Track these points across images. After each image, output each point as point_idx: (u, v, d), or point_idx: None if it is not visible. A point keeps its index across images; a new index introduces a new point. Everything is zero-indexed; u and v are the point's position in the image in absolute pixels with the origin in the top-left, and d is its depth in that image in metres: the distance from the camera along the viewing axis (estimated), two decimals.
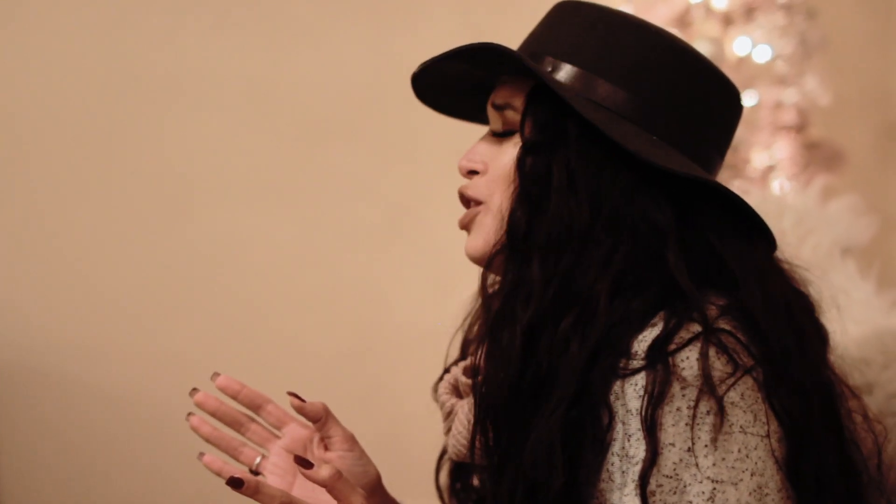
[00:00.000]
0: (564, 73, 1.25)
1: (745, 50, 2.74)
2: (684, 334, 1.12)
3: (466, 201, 1.33)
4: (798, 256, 1.76)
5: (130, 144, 2.82)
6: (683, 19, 2.70)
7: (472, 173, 1.33)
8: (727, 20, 2.74)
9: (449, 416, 1.39)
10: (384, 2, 2.98)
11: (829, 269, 1.78)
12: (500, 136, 1.32)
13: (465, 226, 1.33)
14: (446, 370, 1.49)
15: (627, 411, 1.11)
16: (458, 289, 2.91)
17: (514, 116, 1.29)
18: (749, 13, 2.74)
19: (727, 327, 1.14)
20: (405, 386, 2.99)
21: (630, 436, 1.11)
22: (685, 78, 1.25)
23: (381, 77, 2.97)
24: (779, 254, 1.30)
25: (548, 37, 1.31)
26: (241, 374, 2.88)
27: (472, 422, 1.25)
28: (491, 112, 1.35)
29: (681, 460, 1.09)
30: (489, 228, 1.28)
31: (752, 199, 1.93)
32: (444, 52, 1.35)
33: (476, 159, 1.32)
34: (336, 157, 2.97)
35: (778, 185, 2.75)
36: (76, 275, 2.80)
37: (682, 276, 1.16)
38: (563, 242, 1.18)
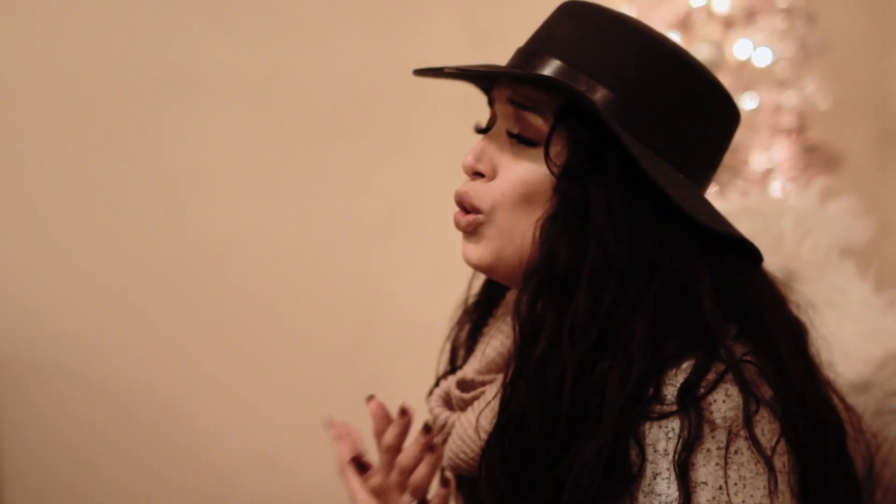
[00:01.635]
0: (601, 96, 1.21)
1: (745, 53, 2.75)
2: (711, 376, 1.14)
3: (463, 204, 1.29)
4: (797, 256, 1.79)
5: (133, 139, 2.82)
6: (685, 22, 2.71)
7: (476, 175, 1.29)
8: (728, 23, 2.75)
9: (442, 429, 1.39)
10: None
11: (828, 269, 1.80)
12: (518, 140, 1.26)
13: (465, 230, 1.29)
14: (437, 381, 1.50)
15: (656, 451, 1.14)
16: (457, 285, 2.93)
17: (537, 124, 1.24)
18: (750, 17, 2.75)
19: (751, 361, 1.17)
20: (404, 381, 2.99)
21: (658, 474, 1.13)
22: (689, 98, 1.23)
23: (382, 74, 2.98)
24: (767, 266, 1.31)
25: (580, 48, 1.25)
26: (241, 369, 2.92)
27: (486, 440, 1.24)
28: (504, 107, 1.29)
29: (714, 498, 1.11)
30: (497, 244, 1.25)
31: (752, 200, 1.95)
32: (479, 67, 1.30)
33: (485, 161, 1.28)
34: (336, 153, 2.98)
35: (777, 186, 2.77)
36: (80, 269, 2.81)
37: (716, 318, 1.16)
38: (604, 281, 1.17)
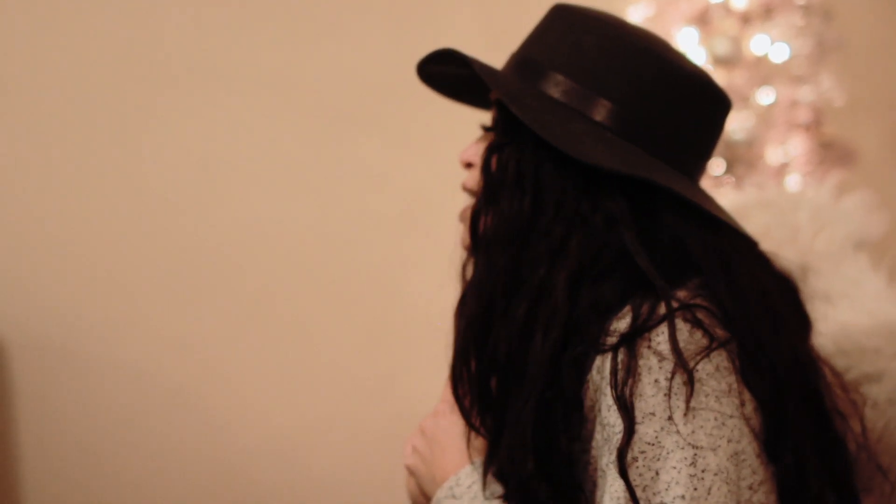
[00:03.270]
0: (557, 82, 1.29)
1: (762, 49, 2.76)
2: (659, 311, 1.17)
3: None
4: (812, 250, 1.81)
5: (153, 132, 2.84)
6: (703, 17, 2.72)
7: (469, 166, 1.38)
8: (746, 19, 2.76)
9: None
10: None
11: (843, 261, 1.80)
12: (487, 131, 1.37)
13: (461, 219, 1.39)
14: None
15: (607, 384, 1.16)
16: None
17: (494, 114, 1.35)
18: (768, 13, 2.76)
19: (701, 304, 1.19)
20: (419, 375, 3.01)
21: (610, 406, 1.15)
22: (647, 74, 1.27)
23: (398, 69, 2.98)
24: (769, 247, 1.35)
25: (533, 40, 1.35)
26: (255, 361, 2.94)
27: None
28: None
29: (662, 428, 1.12)
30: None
31: (768, 193, 1.96)
32: (425, 56, 1.47)
33: (470, 153, 1.38)
34: (353, 147, 2.99)
35: (792, 180, 2.77)
36: (98, 258, 2.82)
37: (643, 260, 1.19)
38: (508, 236, 1.24)
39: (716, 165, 2.75)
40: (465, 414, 1.27)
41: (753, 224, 1.84)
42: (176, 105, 2.85)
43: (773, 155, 2.80)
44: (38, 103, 2.76)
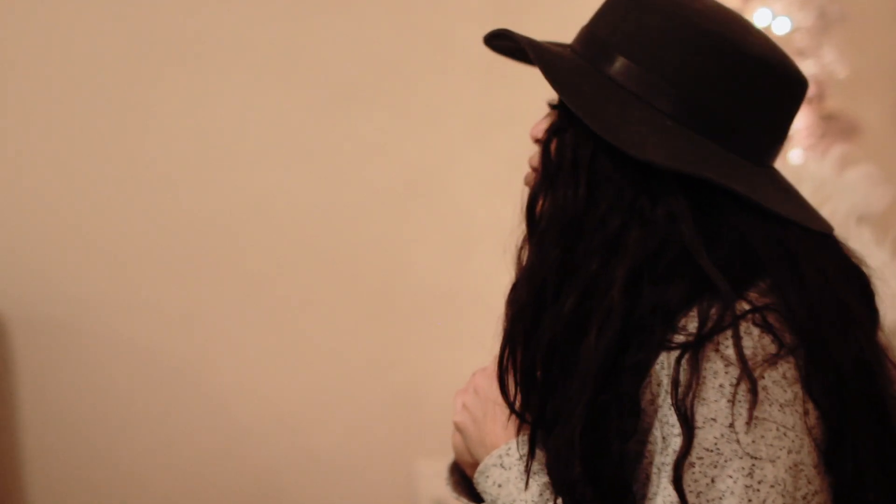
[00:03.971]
0: (619, 65, 1.24)
1: (765, 21, 2.75)
2: (728, 315, 1.13)
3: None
4: None
5: (152, 108, 2.84)
6: None
7: (538, 142, 1.31)
8: None
9: None
10: None
11: (846, 236, 1.80)
12: (553, 108, 1.30)
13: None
14: None
15: (670, 382, 1.13)
16: (477, 251, 2.95)
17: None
18: None
19: (770, 308, 1.15)
20: (423, 347, 3.02)
21: (672, 405, 1.12)
22: (710, 56, 1.21)
23: (402, 42, 2.98)
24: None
25: (600, 13, 1.30)
26: (261, 334, 2.95)
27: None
28: None
29: (722, 435, 1.10)
30: None
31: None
32: (486, 34, 1.34)
33: (538, 129, 1.31)
34: (356, 120, 2.98)
35: (795, 154, 2.77)
36: (103, 233, 2.82)
37: (705, 261, 1.15)
38: (562, 224, 1.20)
39: None
40: (509, 403, 1.24)
41: None
42: (176, 81, 2.84)
43: None
44: (37, 83, 2.76)
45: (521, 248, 1.27)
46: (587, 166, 1.20)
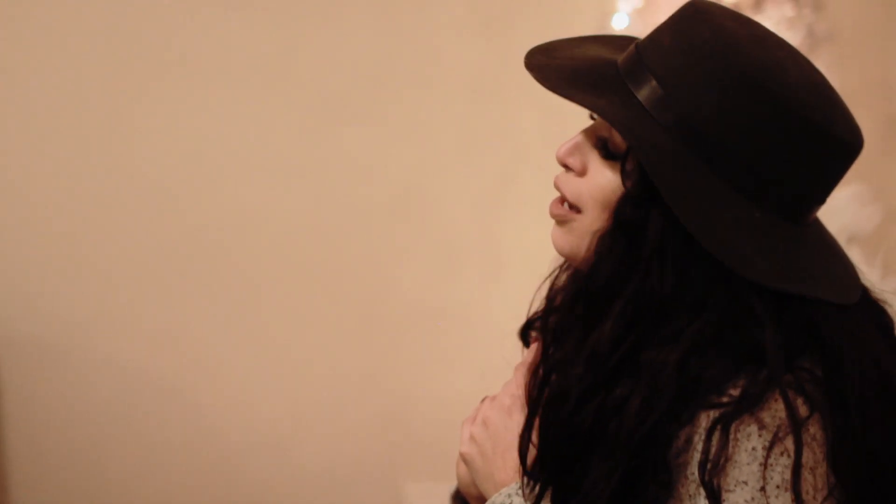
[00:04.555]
0: (672, 118, 1.18)
1: None
2: (769, 385, 1.13)
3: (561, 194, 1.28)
4: None
5: (143, 122, 2.83)
6: None
7: (567, 167, 1.27)
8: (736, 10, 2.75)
9: None
10: None
11: None
12: (603, 148, 1.25)
13: (557, 219, 1.28)
14: (531, 321, 1.46)
15: (701, 440, 1.12)
16: (465, 268, 2.94)
17: (618, 140, 1.22)
18: (758, 4, 2.74)
19: (807, 374, 1.15)
20: (410, 365, 3.01)
21: (701, 464, 1.11)
22: (773, 134, 1.17)
23: (391, 58, 2.98)
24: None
25: (675, 69, 1.20)
26: (248, 351, 2.93)
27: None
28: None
29: (752, 498, 1.10)
30: (576, 240, 1.25)
31: None
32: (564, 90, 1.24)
33: (577, 157, 1.26)
34: (345, 136, 2.98)
35: None
36: (87, 252, 2.81)
37: (777, 355, 1.13)
38: (638, 314, 1.15)
39: None
40: (526, 469, 1.21)
41: None
42: (164, 97, 2.83)
43: None
44: (28, 99, 2.75)
45: (557, 276, 1.22)
46: (676, 257, 1.16)
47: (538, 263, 1.39)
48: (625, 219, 1.19)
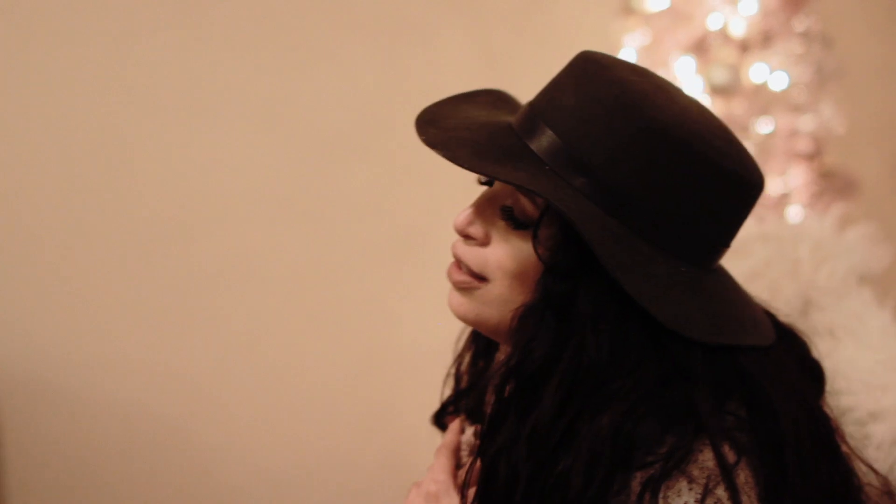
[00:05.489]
0: (586, 182, 1.16)
1: (761, 77, 2.73)
2: (693, 435, 1.13)
3: (461, 265, 1.26)
4: (814, 284, 1.77)
5: (144, 159, 2.82)
6: (701, 45, 2.69)
7: (468, 238, 1.25)
8: (744, 47, 2.73)
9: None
10: (397, 21, 2.98)
11: (846, 296, 1.77)
12: (509, 217, 1.23)
13: (459, 287, 1.26)
14: (445, 406, 1.46)
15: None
16: None
17: (528, 209, 1.20)
18: (766, 40, 2.73)
19: (734, 420, 1.15)
20: (412, 406, 2.98)
21: None
22: (688, 184, 1.16)
23: (394, 96, 2.97)
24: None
25: (577, 124, 1.18)
26: (248, 390, 2.91)
27: None
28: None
29: None
30: (481, 308, 1.23)
31: (768, 226, 1.93)
32: (463, 160, 1.21)
33: (478, 227, 1.25)
34: (347, 175, 2.97)
35: (793, 212, 2.74)
36: (87, 289, 2.80)
37: (710, 411, 1.13)
38: (576, 385, 1.14)
39: None
40: None
41: (754, 258, 1.80)
42: (167, 132, 2.82)
43: (773, 185, 2.77)
44: (30, 134, 2.74)
45: (504, 399, 1.18)
46: (611, 324, 1.14)
47: None
48: (552, 293, 1.16)
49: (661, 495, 1.09)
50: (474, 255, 1.24)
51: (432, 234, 3.02)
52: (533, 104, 1.24)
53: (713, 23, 2.71)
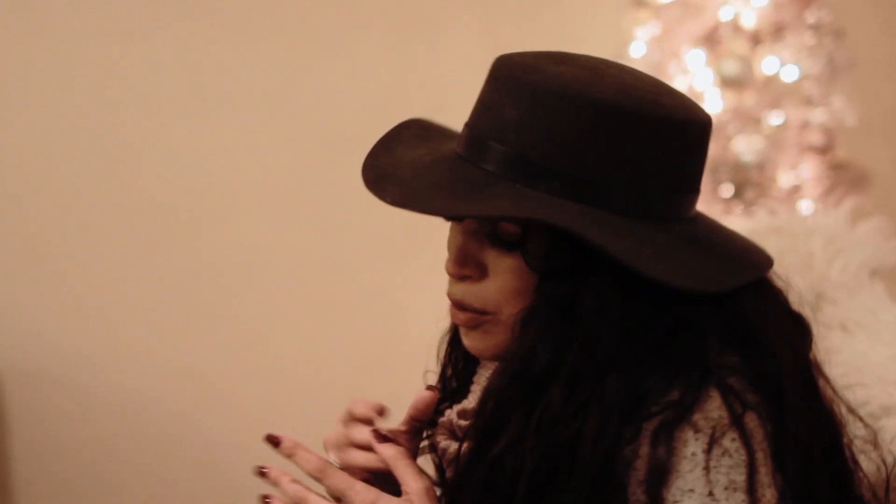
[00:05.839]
0: (557, 185, 1.15)
1: (773, 69, 2.72)
2: (699, 383, 1.13)
3: (464, 307, 1.24)
4: (826, 278, 1.76)
5: (150, 153, 2.82)
6: (712, 37, 2.68)
7: (466, 279, 1.23)
8: (756, 39, 2.72)
9: (453, 461, 1.34)
10: (404, 14, 2.98)
11: (858, 290, 1.76)
12: (495, 241, 1.21)
13: (470, 327, 1.25)
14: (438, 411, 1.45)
15: (645, 454, 1.12)
16: None
17: (509, 228, 1.19)
18: (778, 32, 2.72)
19: (731, 370, 1.14)
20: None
21: (645, 479, 1.11)
22: (642, 145, 1.16)
23: (401, 90, 2.96)
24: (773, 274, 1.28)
25: (523, 132, 1.18)
26: (255, 383, 2.90)
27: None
28: None
29: None
30: (502, 337, 1.21)
31: (780, 219, 1.92)
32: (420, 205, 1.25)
33: (470, 264, 1.23)
34: (355, 169, 2.95)
35: (805, 205, 2.73)
36: (94, 283, 2.80)
37: (715, 360, 1.14)
38: (585, 376, 1.13)
39: (725, 189, 2.70)
40: None
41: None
42: (174, 127, 2.82)
43: (785, 178, 2.76)
44: (34, 129, 2.74)
45: (506, 403, 1.16)
46: (618, 310, 1.14)
47: None
48: (553, 296, 1.16)
49: (671, 444, 1.10)
50: (474, 294, 1.23)
51: (440, 227, 3.01)
52: (472, 126, 1.24)
53: (724, 15, 2.70)
